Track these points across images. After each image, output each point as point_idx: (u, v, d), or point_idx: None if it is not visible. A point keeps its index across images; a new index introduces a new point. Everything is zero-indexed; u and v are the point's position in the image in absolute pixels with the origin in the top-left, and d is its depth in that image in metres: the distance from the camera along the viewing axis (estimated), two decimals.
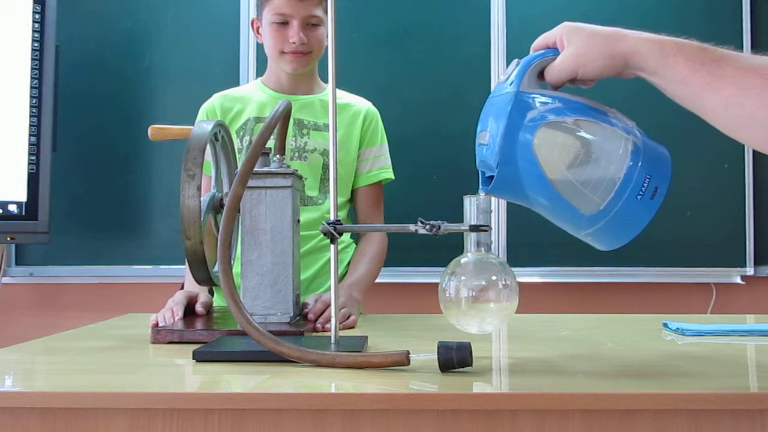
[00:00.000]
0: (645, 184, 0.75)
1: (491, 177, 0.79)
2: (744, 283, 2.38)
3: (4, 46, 2.07)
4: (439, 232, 0.83)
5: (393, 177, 1.59)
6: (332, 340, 0.87)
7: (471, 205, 0.84)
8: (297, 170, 1.09)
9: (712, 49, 0.71)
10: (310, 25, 1.44)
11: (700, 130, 2.26)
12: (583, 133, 0.77)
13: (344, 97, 1.57)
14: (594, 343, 1.01)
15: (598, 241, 0.81)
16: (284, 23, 1.43)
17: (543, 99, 0.78)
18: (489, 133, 0.79)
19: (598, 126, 0.77)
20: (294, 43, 1.43)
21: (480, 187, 0.83)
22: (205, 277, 1.02)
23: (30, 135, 2.07)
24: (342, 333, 1.00)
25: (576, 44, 0.77)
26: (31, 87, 2.08)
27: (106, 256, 2.36)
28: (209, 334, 0.99)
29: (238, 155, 1.30)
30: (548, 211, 0.80)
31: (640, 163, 0.75)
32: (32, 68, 2.08)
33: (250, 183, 1.01)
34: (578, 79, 0.79)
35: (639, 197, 0.75)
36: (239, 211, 1.04)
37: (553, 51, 0.80)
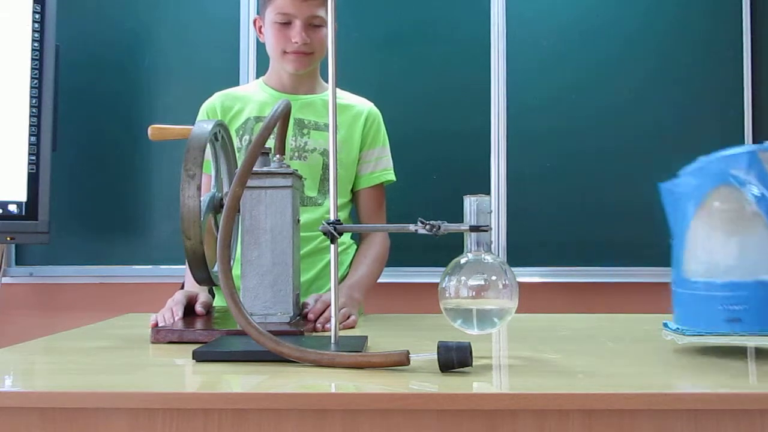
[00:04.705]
0: (734, 307, 0.78)
1: None
2: None
3: (4, 46, 2.07)
4: (439, 232, 0.83)
5: (395, 179, 1.58)
6: (332, 340, 0.87)
7: (471, 205, 0.84)
8: (297, 170, 1.09)
9: None
10: (313, 25, 1.44)
11: (700, 131, 2.25)
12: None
13: (346, 97, 1.56)
14: (594, 343, 1.01)
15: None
16: (287, 23, 1.43)
17: None
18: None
19: None
20: (296, 43, 1.43)
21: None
22: (205, 277, 1.02)
23: (30, 135, 2.07)
24: (342, 333, 1.00)
25: None
26: (31, 87, 2.08)
27: (106, 256, 2.36)
28: (209, 334, 0.99)
29: (237, 154, 1.30)
30: None
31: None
32: (32, 68, 2.08)
33: (250, 183, 1.01)
34: None
35: (721, 307, 0.79)
36: (239, 211, 1.04)
37: None
